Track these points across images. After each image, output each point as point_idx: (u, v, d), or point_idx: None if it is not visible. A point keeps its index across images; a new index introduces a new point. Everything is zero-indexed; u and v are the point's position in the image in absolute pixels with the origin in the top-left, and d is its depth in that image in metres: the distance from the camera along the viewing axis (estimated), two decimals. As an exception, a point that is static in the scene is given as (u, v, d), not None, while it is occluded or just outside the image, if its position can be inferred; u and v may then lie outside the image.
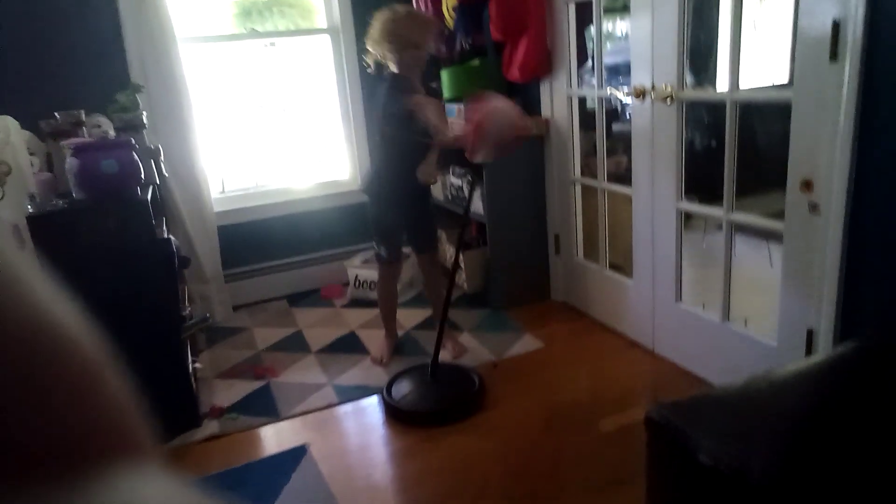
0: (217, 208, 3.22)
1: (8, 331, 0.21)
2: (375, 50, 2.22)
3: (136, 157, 2.00)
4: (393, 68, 2.21)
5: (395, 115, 2.18)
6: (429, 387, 2.29)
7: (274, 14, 5.32)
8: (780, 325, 1.87)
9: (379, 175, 2.39)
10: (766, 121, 3.27)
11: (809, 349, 1.76)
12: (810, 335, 1.76)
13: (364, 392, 2.38)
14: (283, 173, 3.55)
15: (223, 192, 3.44)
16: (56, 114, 2.29)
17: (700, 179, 2.54)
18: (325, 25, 3.38)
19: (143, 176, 2.03)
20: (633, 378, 2.34)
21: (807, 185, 1.67)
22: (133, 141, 2.02)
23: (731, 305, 2.10)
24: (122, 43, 2.80)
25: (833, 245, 1.63)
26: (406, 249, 2.63)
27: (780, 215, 1.79)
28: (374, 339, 2.77)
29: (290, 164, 3.58)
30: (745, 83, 4.06)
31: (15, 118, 2.28)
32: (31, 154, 2.37)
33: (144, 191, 2.08)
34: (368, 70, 2.40)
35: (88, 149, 1.93)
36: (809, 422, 1.15)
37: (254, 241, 3.35)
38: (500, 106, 1.99)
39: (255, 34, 3.53)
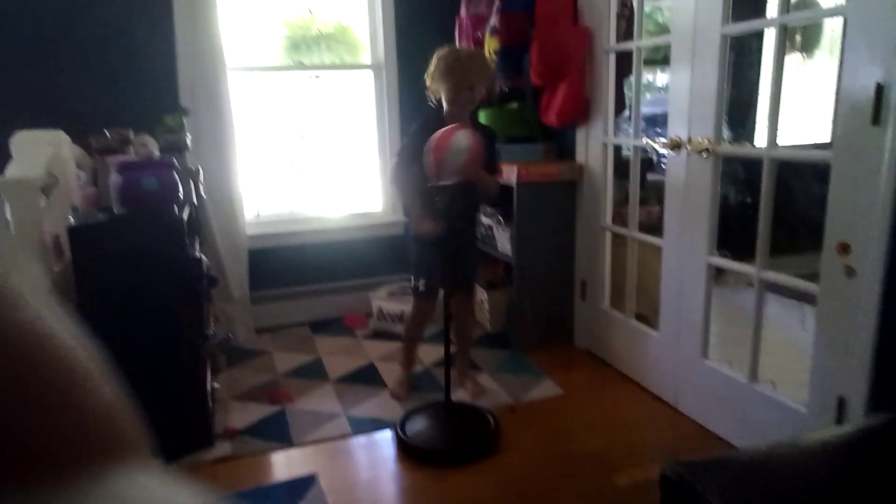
0: (250, 231, 3.29)
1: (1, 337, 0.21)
2: (433, 85, 2.28)
3: (176, 176, 2.07)
4: (445, 105, 2.26)
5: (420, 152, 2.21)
6: (443, 425, 2.25)
7: (321, 48, 5.51)
8: (810, 390, 1.81)
9: (447, 213, 2.33)
10: (804, 179, 3.23)
11: (840, 418, 1.69)
12: (841, 403, 1.69)
13: (378, 425, 2.36)
14: (317, 202, 3.61)
15: (258, 216, 3.51)
16: (106, 131, 2.38)
17: (733, 235, 2.50)
18: (369, 62, 3.47)
19: (181, 195, 2.09)
20: (652, 433, 2.27)
21: (844, 249, 1.63)
22: (175, 161, 2.09)
23: (759, 366, 2.04)
24: (175, 67, 2.92)
25: (868, 311, 1.58)
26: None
27: (814, 276, 1.75)
28: (393, 373, 2.76)
29: (325, 193, 3.65)
30: (786, 140, 4.05)
31: (67, 132, 2.38)
32: (79, 168, 2.47)
33: (181, 210, 2.13)
34: (431, 105, 2.42)
35: (132, 167, 2.00)
36: (834, 495, 1.10)
37: (283, 265, 3.40)
38: (455, 133, 2.01)
39: (301, 66, 3.65)
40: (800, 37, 4.35)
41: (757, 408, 2.00)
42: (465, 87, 2.21)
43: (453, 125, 2.06)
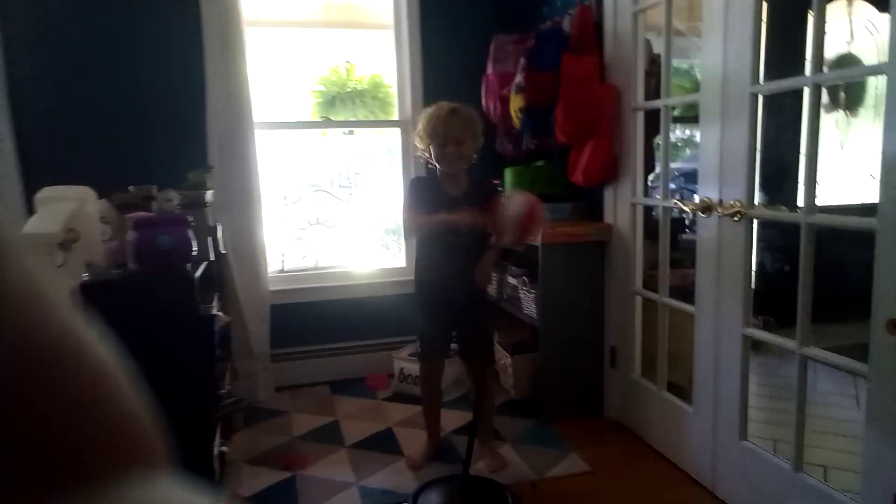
0: (273, 287, 3.26)
1: (29, 342, 0.22)
2: (421, 143, 2.24)
3: (190, 233, 2.05)
4: (434, 164, 2.22)
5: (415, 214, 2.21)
6: (457, 501, 2.11)
7: (356, 105, 5.61)
8: (863, 483, 1.61)
9: (436, 270, 2.25)
10: (856, 241, 3.03)
11: (898, 519, 1.49)
12: (899, 502, 1.49)
13: (390, 498, 2.22)
14: (343, 257, 3.58)
15: (283, 270, 3.49)
16: (130, 187, 2.41)
17: (774, 303, 2.33)
18: (397, 118, 3.49)
19: (194, 252, 2.06)
20: (687, 521, 2.07)
21: (894, 326, 1.47)
22: (190, 218, 2.08)
23: (806, 450, 1.84)
24: (205, 124, 2.97)
25: (926, 398, 1.40)
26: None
27: (865, 349, 1.57)
28: (411, 439, 2.64)
29: (351, 248, 3.63)
30: (832, 199, 3.85)
31: (95, 187, 2.41)
32: (107, 223, 2.49)
33: (195, 267, 2.11)
34: (421, 161, 2.43)
35: (146, 223, 1.99)
36: None
37: (305, 322, 3.35)
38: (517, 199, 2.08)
39: (328, 123, 3.69)
40: (843, 94, 4.21)
41: (803, 499, 1.80)
42: (451, 143, 2.14)
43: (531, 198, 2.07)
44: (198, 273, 2.11)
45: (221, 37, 2.94)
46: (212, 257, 2.38)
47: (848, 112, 4.15)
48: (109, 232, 2.49)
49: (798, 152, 3.72)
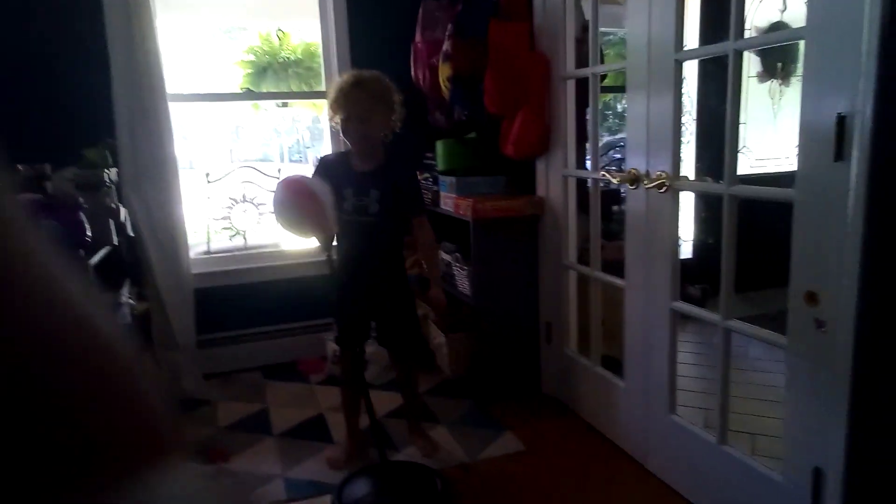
0: (198, 269, 3.09)
1: (49, 333, 0.22)
2: (331, 115, 2.08)
3: (81, 217, 1.88)
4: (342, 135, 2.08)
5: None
6: (383, 491, 2.03)
7: (289, 75, 5.34)
8: (784, 458, 1.60)
9: (352, 257, 2.11)
10: (786, 210, 3.05)
11: (817, 491, 1.48)
12: (818, 475, 1.48)
13: (317, 489, 2.13)
14: (273, 236, 3.42)
15: (208, 252, 3.32)
16: (19, 166, 2.20)
17: (712, 271, 2.30)
18: (323, 88, 3.31)
19: (88, 238, 1.89)
20: (618, 497, 2.05)
21: (811, 298, 1.44)
22: (81, 200, 1.90)
23: (735, 418, 1.83)
24: (110, 96, 2.74)
25: (841, 370, 1.38)
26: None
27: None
28: (343, 425, 2.54)
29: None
30: (768, 168, 3.87)
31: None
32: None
33: (90, 254, 1.94)
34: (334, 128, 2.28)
35: (27, 207, 1.81)
36: None
37: (235, 305, 3.19)
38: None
39: (250, 95, 3.49)
40: (780, 64, 4.23)
41: (729, 473, 1.79)
42: (353, 118, 1.96)
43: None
44: (94, 260, 1.95)
45: (125, 1, 2.70)
46: (115, 242, 2.20)
47: (781, 81, 4.18)
48: None
49: (737, 122, 3.73)
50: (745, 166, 3.95)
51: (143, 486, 0.23)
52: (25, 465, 0.21)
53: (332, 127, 2.15)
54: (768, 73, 4.22)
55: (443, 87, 2.81)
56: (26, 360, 0.21)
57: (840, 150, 1.32)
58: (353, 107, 1.95)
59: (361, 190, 2.02)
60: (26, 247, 0.23)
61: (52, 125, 2.72)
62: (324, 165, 2.14)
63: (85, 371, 0.23)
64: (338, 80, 2.05)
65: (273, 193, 1.85)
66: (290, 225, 1.85)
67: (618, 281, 2.25)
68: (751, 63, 4.10)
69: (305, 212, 1.78)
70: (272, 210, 1.86)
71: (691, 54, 1.91)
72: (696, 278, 3.35)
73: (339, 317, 2.26)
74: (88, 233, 1.87)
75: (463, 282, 2.81)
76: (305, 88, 4.67)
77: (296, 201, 1.79)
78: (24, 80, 2.71)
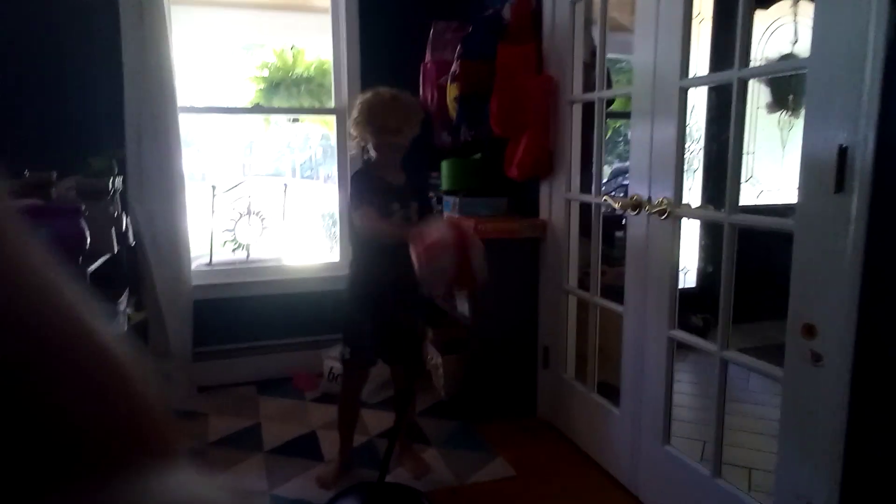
0: (199, 281, 3.09)
1: (44, 337, 0.22)
2: (357, 132, 2.07)
3: (82, 224, 1.88)
4: (371, 152, 2.06)
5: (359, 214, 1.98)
6: (370, 513, 2.00)
7: (301, 91, 5.40)
8: (776, 491, 1.56)
9: (377, 268, 2.08)
10: (788, 241, 3.02)
11: (810, 530, 1.44)
12: (811, 512, 1.44)
13: (303, 508, 2.10)
14: (276, 250, 3.43)
15: (210, 264, 3.32)
16: (26, 172, 2.22)
17: (714, 301, 2.28)
18: (333, 105, 3.34)
19: (87, 245, 1.90)
20: (609, 528, 2.00)
21: (808, 331, 1.41)
22: (83, 207, 1.91)
23: (732, 451, 1.79)
24: (122, 105, 2.77)
25: (836, 405, 1.35)
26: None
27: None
28: (335, 444, 2.50)
29: (284, 241, 3.47)
30: (776, 199, 3.83)
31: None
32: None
33: (89, 261, 1.94)
34: (352, 154, 2.29)
35: (28, 213, 1.82)
36: None
37: (233, 318, 3.18)
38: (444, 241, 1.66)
39: (260, 109, 3.52)
40: (792, 96, 4.23)
41: (721, 506, 1.75)
42: (389, 131, 1.99)
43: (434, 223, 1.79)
44: (92, 267, 1.95)
45: (140, 12, 2.74)
46: (115, 250, 2.21)
47: (791, 113, 4.17)
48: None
49: (741, 151, 3.72)
50: (752, 196, 3.93)
51: (137, 486, 0.23)
52: (18, 465, 0.21)
53: (353, 143, 2.12)
54: (778, 104, 4.22)
55: (450, 107, 2.82)
56: (20, 362, 0.21)
57: (841, 182, 1.31)
58: (391, 120, 1.98)
59: (405, 203, 2.03)
60: (21, 253, 0.23)
61: (61, 133, 2.75)
62: (364, 181, 2.05)
63: (79, 373, 0.23)
64: (367, 96, 2.05)
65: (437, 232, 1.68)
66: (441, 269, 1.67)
67: (617, 307, 2.22)
68: (760, 94, 4.10)
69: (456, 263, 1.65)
70: (432, 251, 1.65)
71: (696, 82, 1.91)
72: (700, 308, 3.32)
73: (359, 336, 2.16)
74: (88, 240, 1.87)
75: (462, 303, 2.78)
76: (317, 105, 4.71)
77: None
78: (36, 88, 2.75)
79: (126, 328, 2.32)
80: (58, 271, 0.24)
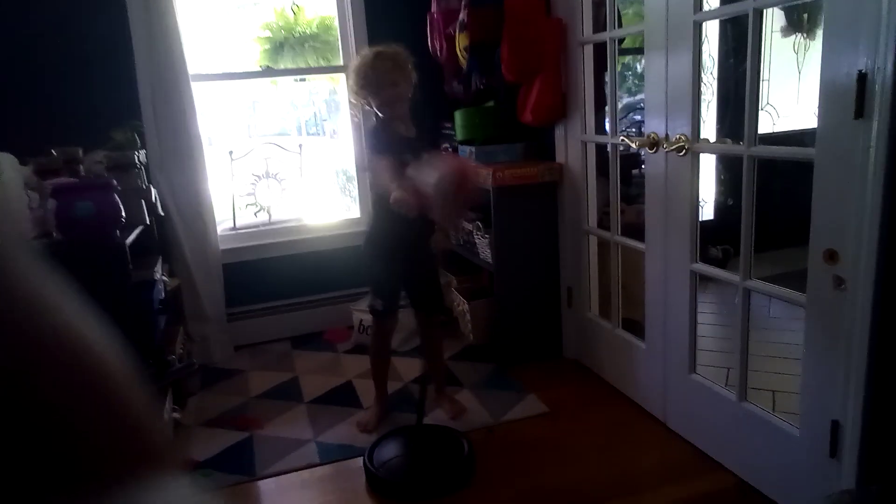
0: (226, 245, 3.17)
1: (42, 353, 0.22)
2: (358, 98, 2.14)
3: (116, 198, 1.94)
4: (378, 112, 2.12)
5: (378, 166, 2.07)
6: (412, 453, 2.11)
7: (305, 49, 5.34)
8: (801, 412, 1.63)
9: (380, 223, 2.21)
10: (798, 172, 3.01)
11: (834, 444, 1.52)
12: (835, 427, 1.52)
13: (348, 452, 2.22)
14: (296, 210, 3.48)
15: (234, 228, 3.39)
16: (53, 150, 2.27)
17: (734, 232, 2.31)
18: (341, 62, 3.32)
19: (123, 218, 1.96)
20: (640, 456, 2.10)
21: (831, 257, 1.45)
22: (115, 181, 1.97)
23: (756, 376, 1.86)
24: (134, 78, 2.79)
25: (860, 326, 1.40)
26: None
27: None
28: (371, 391, 2.62)
29: (304, 201, 3.52)
30: (793, 125, 3.78)
31: (17, 153, 2.27)
32: (32, 190, 2.36)
33: (125, 233, 2.01)
34: (356, 120, 2.33)
35: (65, 189, 1.88)
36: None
37: (261, 279, 3.27)
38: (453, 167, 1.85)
39: (269, 72, 3.51)
40: (806, 16, 4.11)
41: (748, 429, 1.83)
42: (385, 86, 2.06)
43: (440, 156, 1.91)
44: (129, 239, 2.02)
45: (142, -19, 2.73)
46: (147, 221, 2.27)
47: (806, 35, 4.08)
48: (37, 200, 2.37)
49: (758, 82, 3.66)
50: (767, 125, 3.89)
51: (133, 497, 0.23)
52: (18, 474, 0.21)
53: (356, 110, 2.19)
54: (793, 27, 4.11)
55: (460, 56, 2.81)
56: (20, 377, 0.22)
57: (861, 108, 1.32)
58: (382, 75, 2.05)
59: (416, 154, 2.08)
60: (21, 272, 0.23)
61: (80, 109, 2.78)
62: (377, 135, 2.14)
63: (78, 387, 0.23)
64: (355, 62, 2.14)
65: (446, 168, 1.84)
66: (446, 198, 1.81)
67: (638, 245, 2.27)
68: (774, 17, 4.00)
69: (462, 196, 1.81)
70: (435, 179, 1.80)
71: (710, 15, 1.89)
72: (718, 239, 3.35)
73: (384, 287, 2.29)
74: (123, 213, 1.94)
75: (484, 249, 2.84)
76: (322, 62, 4.69)
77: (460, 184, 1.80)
78: (52, 66, 2.77)
79: (163, 295, 2.41)
80: (58, 290, 0.25)
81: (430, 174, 1.80)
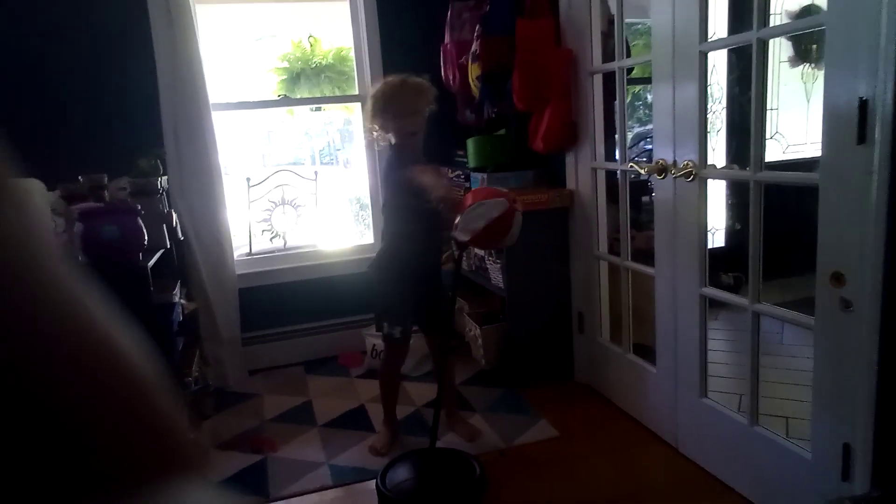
0: (241, 270, 3.23)
1: (73, 355, 0.22)
2: (375, 123, 2.18)
3: (139, 222, 2.01)
4: (393, 138, 2.17)
5: (395, 182, 2.14)
6: (425, 476, 2.12)
7: (322, 80, 5.47)
8: (812, 435, 1.64)
9: (393, 249, 2.26)
10: (806, 200, 3.03)
11: (846, 467, 1.52)
12: (847, 450, 1.52)
13: (361, 475, 2.23)
14: (311, 236, 3.55)
15: (250, 253, 3.45)
16: (79, 177, 2.35)
17: (745, 260, 2.34)
18: (357, 92, 3.42)
19: (145, 242, 2.03)
20: (651, 479, 2.10)
21: (837, 279, 1.48)
22: (139, 207, 2.04)
23: (769, 403, 1.87)
24: (157, 107, 2.89)
25: (867, 349, 1.42)
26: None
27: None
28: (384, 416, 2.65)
29: (318, 227, 3.59)
30: (802, 153, 3.81)
31: (45, 179, 2.35)
32: (59, 215, 2.44)
33: (148, 256, 2.08)
34: (380, 144, 2.38)
35: (92, 214, 1.95)
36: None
37: (276, 304, 3.32)
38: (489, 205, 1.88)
39: (286, 101, 3.62)
40: (815, 47, 4.18)
41: (760, 453, 1.83)
42: (405, 115, 2.10)
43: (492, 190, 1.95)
44: (151, 262, 2.08)
45: (168, 15, 2.85)
46: (168, 245, 2.34)
47: (814, 65, 4.13)
48: (63, 224, 2.45)
49: (763, 110, 3.70)
50: (777, 153, 3.92)
51: (158, 500, 0.24)
52: (42, 477, 0.21)
53: (372, 136, 2.23)
54: (800, 56, 4.17)
55: (472, 85, 2.89)
56: (45, 378, 0.22)
57: (862, 134, 1.36)
58: (405, 104, 2.10)
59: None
60: (55, 271, 0.23)
61: (106, 137, 2.88)
62: (391, 162, 2.20)
63: (104, 389, 0.23)
64: (378, 87, 2.18)
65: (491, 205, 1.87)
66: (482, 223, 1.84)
67: (648, 269, 2.29)
68: (782, 48, 4.06)
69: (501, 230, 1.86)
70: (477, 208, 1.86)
71: (716, 45, 1.95)
72: (730, 267, 3.36)
73: (399, 313, 2.31)
74: (146, 237, 2.00)
75: (496, 274, 2.88)
76: (338, 92, 4.79)
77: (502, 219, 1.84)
78: (79, 96, 2.88)
79: (181, 317, 2.46)
80: (90, 295, 0.24)
81: (494, 206, 1.84)
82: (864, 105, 1.35)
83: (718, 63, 3.87)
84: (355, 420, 2.67)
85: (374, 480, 2.14)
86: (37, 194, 2.31)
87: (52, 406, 0.22)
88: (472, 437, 2.39)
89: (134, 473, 0.24)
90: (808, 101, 4.13)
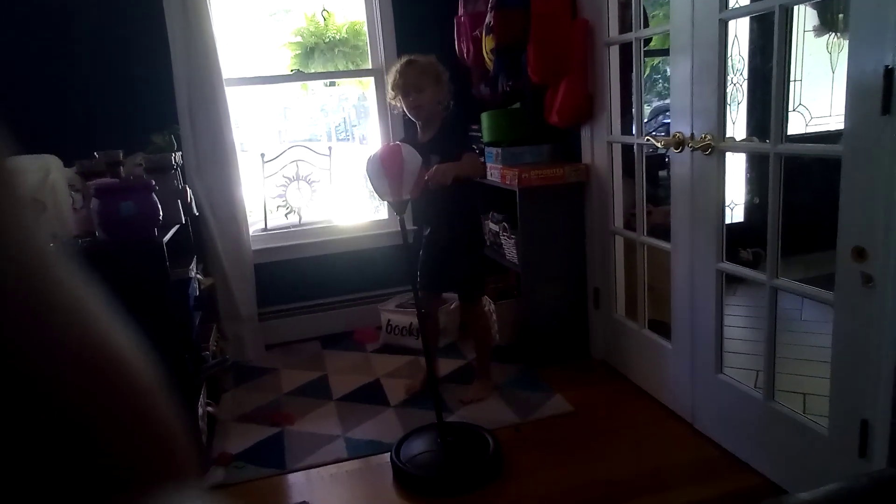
0: (257, 246, 3.25)
1: (73, 358, 0.22)
2: (395, 101, 2.36)
3: (155, 198, 2.02)
4: (406, 114, 2.37)
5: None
6: (439, 449, 2.14)
7: (336, 54, 5.42)
8: (830, 411, 1.62)
9: (433, 220, 2.47)
10: (828, 174, 2.96)
11: (864, 444, 1.50)
12: (864, 426, 1.50)
13: (376, 448, 2.26)
14: (326, 212, 3.55)
15: (266, 229, 3.47)
16: (95, 153, 2.37)
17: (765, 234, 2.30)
18: (370, 66, 3.39)
19: (161, 217, 2.04)
20: (667, 456, 2.10)
21: (859, 254, 1.44)
22: (154, 183, 2.05)
23: (787, 379, 1.85)
24: (171, 83, 2.89)
25: (888, 324, 1.39)
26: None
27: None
28: (399, 389, 2.68)
29: (333, 203, 3.59)
30: (826, 125, 3.72)
31: (62, 155, 2.37)
32: (77, 191, 2.46)
33: (163, 232, 2.09)
34: (394, 112, 2.50)
35: (108, 190, 1.96)
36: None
37: (292, 279, 3.35)
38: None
39: (300, 76, 3.59)
40: (841, 16, 4.04)
41: (776, 429, 1.82)
42: (410, 92, 2.27)
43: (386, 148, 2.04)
44: (167, 238, 2.10)
45: (180, -10, 2.83)
46: (183, 221, 2.35)
47: (840, 34, 4.00)
48: (80, 200, 2.47)
49: (787, 81, 3.61)
50: (800, 126, 3.83)
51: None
52: (43, 484, 0.21)
53: (396, 109, 2.45)
54: (826, 26, 4.04)
55: (486, 59, 2.84)
56: (49, 382, 0.22)
57: (888, 104, 1.32)
58: (408, 81, 2.27)
59: (425, 158, 2.14)
60: (57, 275, 0.23)
61: (121, 114, 2.89)
62: (407, 129, 2.47)
63: (106, 397, 0.23)
64: (394, 67, 2.35)
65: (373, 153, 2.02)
66: (372, 179, 1.99)
67: (664, 244, 2.27)
68: (807, 16, 3.94)
69: (387, 171, 1.94)
70: (365, 168, 2.01)
71: (737, 13, 1.89)
72: (749, 242, 3.31)
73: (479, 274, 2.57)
74: (161, 213, 2.02)
75: (511, 250, 2.87)
76: (352, 66, 4.75)
77: (383, 159, 1.95)
78: (95, 74, 2.88)
79: (198, 293, 2.49)
80: (94, 299, 0.25)
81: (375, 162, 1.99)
82: (889, 74, 1.31)
83: (741, 33, 3.77)
84: (371, 394, 2.69)
85: (389, 454, 2.17)
86: (54, 170, 2.33)
87: (48, 409, 0.22)
88: (469, 400, 2.50)
89: (132, 478, 0.24)
90: (833, 74, 4.02)
